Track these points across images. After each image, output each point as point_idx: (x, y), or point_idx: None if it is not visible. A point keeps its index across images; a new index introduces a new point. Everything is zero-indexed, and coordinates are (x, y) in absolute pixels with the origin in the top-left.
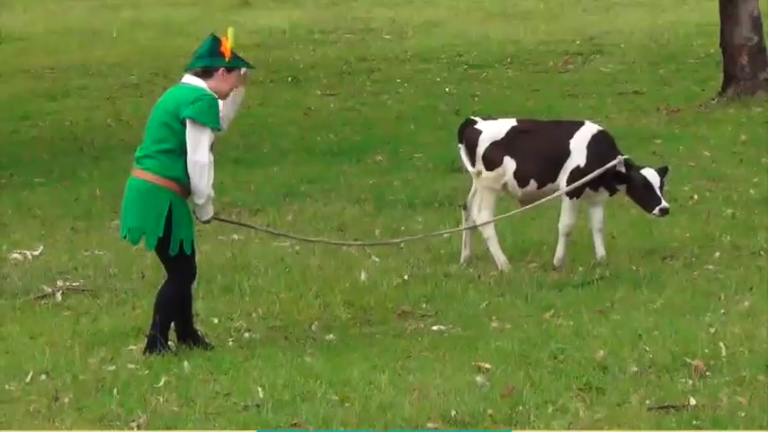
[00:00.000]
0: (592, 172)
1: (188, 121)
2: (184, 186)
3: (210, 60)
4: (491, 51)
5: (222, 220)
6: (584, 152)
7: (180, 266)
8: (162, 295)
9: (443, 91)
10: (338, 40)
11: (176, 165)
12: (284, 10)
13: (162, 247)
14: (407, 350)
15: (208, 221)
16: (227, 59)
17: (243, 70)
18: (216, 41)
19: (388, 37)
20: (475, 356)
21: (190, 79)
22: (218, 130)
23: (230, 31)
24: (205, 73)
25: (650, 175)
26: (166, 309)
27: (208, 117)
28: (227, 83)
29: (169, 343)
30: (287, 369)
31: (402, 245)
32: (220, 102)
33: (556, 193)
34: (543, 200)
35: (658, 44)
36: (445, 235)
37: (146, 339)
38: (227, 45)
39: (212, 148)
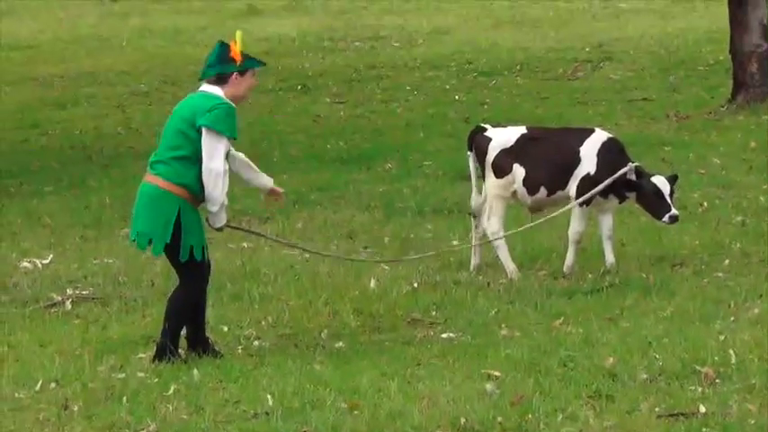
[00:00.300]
0: (602, 179)
1: (204, 130)
2: (195, 194)
3: (222, 67)
4: (500, 59)
5: (235, 228)
6: (595, 159)
7: (191, 272)
8: (173, 302)
9: (453, 98)
10: (347, 48)
11: (189, 172)
12: (293, 17)
13: (172, 254)
14: (417, 358)
15: (220, 229)
16: (237, 63)
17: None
18: (224, 47)
19: (397, 44)
20: (484, 364)
21: (206, 87)
22: (234, 138)
23: (238, 34)
24: (219, 80)
25: (660, 182)
26: (177, 316)
27: (224, 125)
28: (243, 85)
29: (179, 350)
30: (296, 377)
31: (412, 252)
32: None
33: (569, 206)
34: (556, 213)
35: (668, 51)
36: (457, 248)
37: (155, 347)
38: (236, 49)
39: (228, 156)
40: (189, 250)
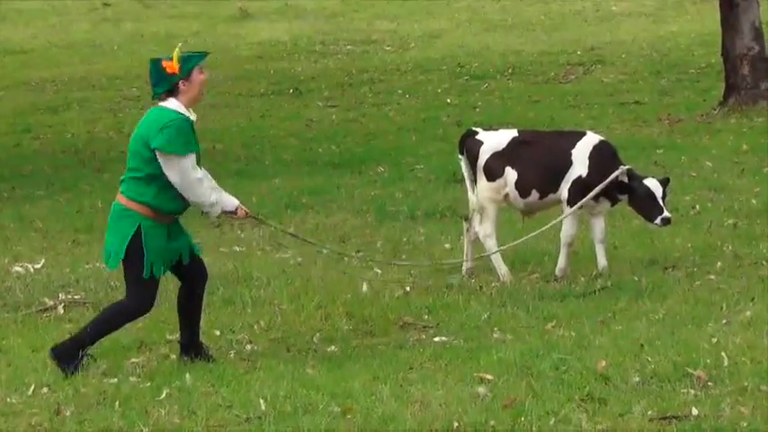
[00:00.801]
0: (594, 182)
1: (158, 153)
2: (159, 210)
3: (166, 82)
4: (492, 62)
5: (253, 218)
6: (586, 162)
7: (140, 289)
8: (110, 310)
9: (445, 102)
10: (339, 52)
11: (148, 190)
12: (286, 22)
13: (126, 268)
14: (409, 361)
15: (220, 216)
16: (178, 73)
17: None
18: (157, 65)
19: (389, 48)
20: (477, 367)
21: (162, 103)
22: (194, 152)
23: (175, 51)
24: (170, 94)
25: (653, 185)
26: (105, 324)
27: (176, 146)
28: (195, 87)
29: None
30: (289, 381)
31: (404, 256)
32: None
33: (562, 216)
34: (548, 226)
35: (660, 54)
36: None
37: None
38: (172, 61)
39: (199, 162)
40: (150, 267)
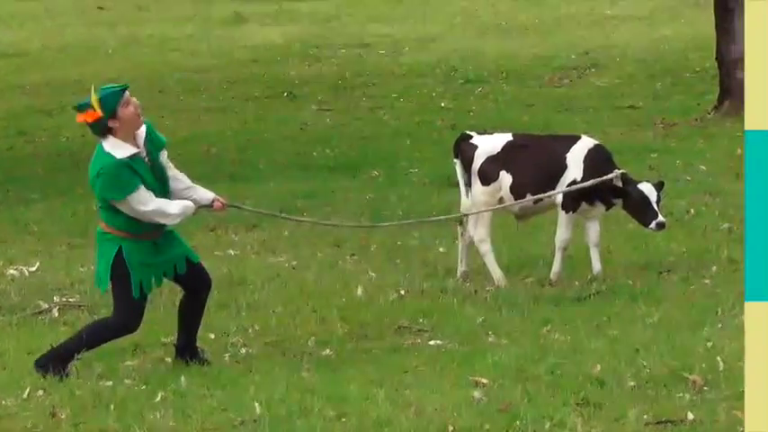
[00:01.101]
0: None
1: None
2: (135, 230)
3: (97, 127)
4: (486, 66)
5: (234, 206)
6: (581, 166)
7: (127, 307)
8: (97, 324)
9: (439, 106)
10: (334, 56)
11: (117, 218)
12: (280, 25)
13: (113, 287)
14: (404, 365)
15: (196, 212)
16: (102, 116)
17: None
18: (79, 117)
19: (383, 52)
20: (472, 371)
21: (102, 142)
22: (137, 188)
23: (93, 96)
24: (105, 133)
25: (647, 189)
26: (92, 336)
27: (114, 192)
28: (126, 120)
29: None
30: (284, 384)
31: (398, 260)
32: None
33: (548, 193)
34: (534, 197)
35: (654, 58)
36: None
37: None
38: (91, 109)
39: (150, 185)
40: (139, 286)
